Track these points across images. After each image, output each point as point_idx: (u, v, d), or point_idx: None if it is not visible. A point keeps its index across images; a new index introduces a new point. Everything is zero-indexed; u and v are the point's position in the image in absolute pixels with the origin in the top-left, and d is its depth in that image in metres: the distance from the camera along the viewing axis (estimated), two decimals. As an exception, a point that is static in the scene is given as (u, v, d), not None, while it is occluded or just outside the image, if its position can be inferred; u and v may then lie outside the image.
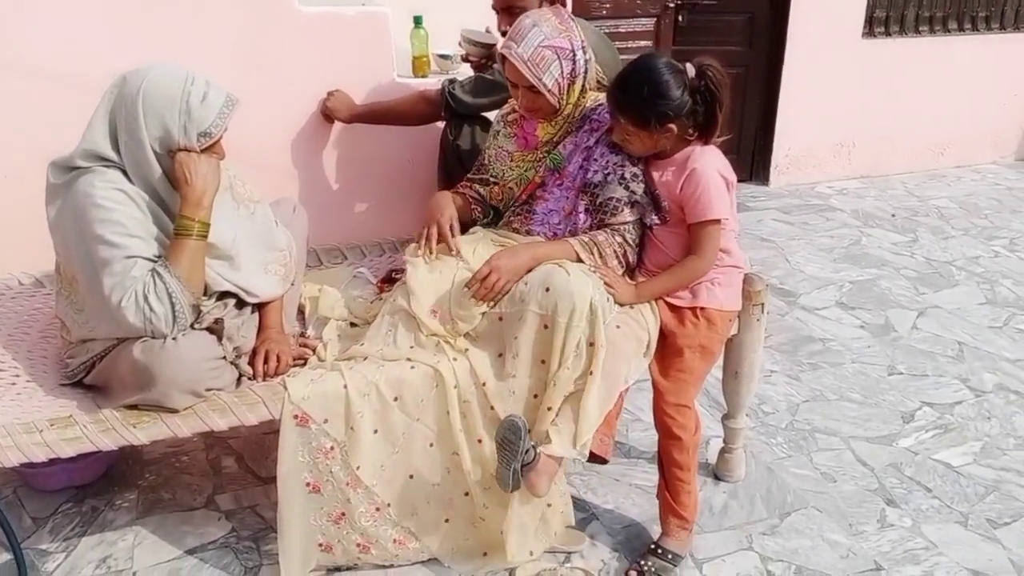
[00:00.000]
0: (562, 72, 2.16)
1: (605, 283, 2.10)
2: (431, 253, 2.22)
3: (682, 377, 2.19)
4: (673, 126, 2.08)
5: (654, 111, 2.05)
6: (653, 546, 2.27)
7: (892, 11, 5.50)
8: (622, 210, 2.19)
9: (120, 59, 2.34)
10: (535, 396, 2.08)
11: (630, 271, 2.27)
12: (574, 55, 2.17)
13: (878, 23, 5.48)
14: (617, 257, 2.20)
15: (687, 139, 2.14)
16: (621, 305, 2.15)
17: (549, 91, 2.17)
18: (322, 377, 2.03)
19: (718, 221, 2.14)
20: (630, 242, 2.22)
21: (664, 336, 2.21)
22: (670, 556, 2.24)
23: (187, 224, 1.93)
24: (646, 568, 2.22)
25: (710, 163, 2.13)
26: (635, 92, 2.05)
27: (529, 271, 2.09)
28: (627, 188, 2.19)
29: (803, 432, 2.87)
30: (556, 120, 2.27)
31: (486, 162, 2.45)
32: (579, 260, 2.14)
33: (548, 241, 2.23)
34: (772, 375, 3.21)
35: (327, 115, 3.05)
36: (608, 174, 2.20)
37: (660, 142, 2.12)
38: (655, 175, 2.20)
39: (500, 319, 2.10)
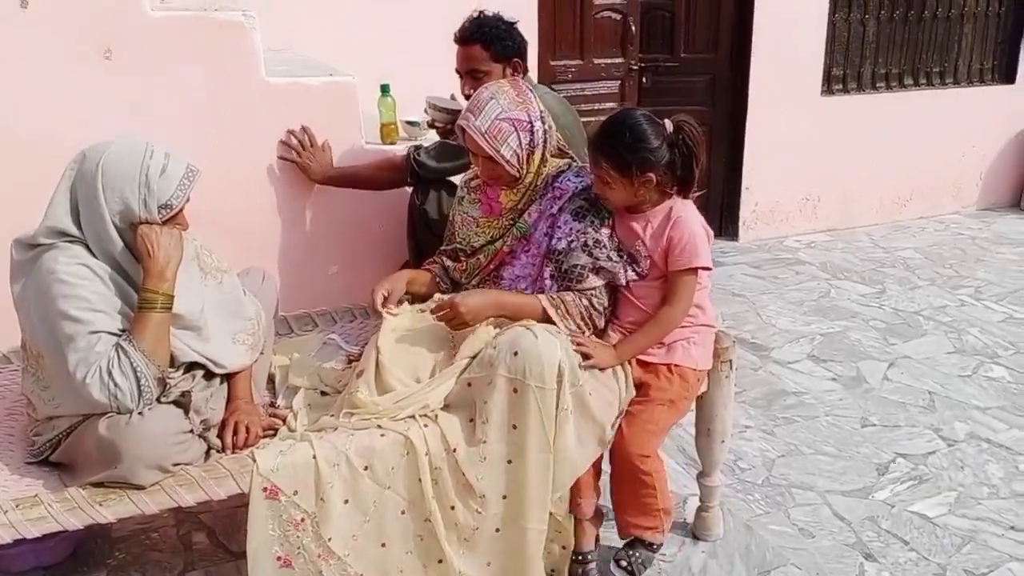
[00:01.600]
0: (520, 143, 2.21)
1: (583, 352, 2.12)
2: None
3: (648, 428, 2.20)
4: (652, 175, 2.14)
5: (635, 157, 2.11)
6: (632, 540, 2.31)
7: (849, 69, 5.68)
8: (587, 277, 2.21)
9: (84, 129, 2.37)
10: (509, 462, 2.07)
11: (597, 334, 2.28)
12: (532, 126, 2.22)
13: (836, 81, 5.65)
14: (583, 319, 2.21)
15: (667, 192, 2.21)
16: (602, 369, 2.16)
17: (507, 162, 2.20)
18: (291, 448, 2.00)
19: (697, 271, 2.19)
20: (596, 306, 2.23)
21: (636, 385, 2.23)
22: (653, 546, 2.31)
23: (151, 297, 1.92)
24: (632, 558, 2.27)
25: (694, 215, 2.22)
26: (618, 139, 2.12)
27: (491, 316, 2.14)
28: (591, 255, 2.20)
29: (780, 488, 2.86)
30: (518, 188, 2.30)
31: (451, 230, 2.47)
32: (546, 315, 2.15)
33: (514, 293, 2.25)
34: (747, 430, 3.22)
35: (299, 165, 3.03)
36: (572, 241, 2.21)
37: (640, 192, 2.17)
38: (638, 228, 2.23)
39: (469, 384, 2.10)
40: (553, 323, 2.16)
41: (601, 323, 2.25)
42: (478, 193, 2.41)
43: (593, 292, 2.22)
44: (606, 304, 2.24)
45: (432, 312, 2.16)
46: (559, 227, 2.24)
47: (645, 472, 2.19)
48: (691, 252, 2.18)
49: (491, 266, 2.35)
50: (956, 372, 3.70)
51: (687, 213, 2.21)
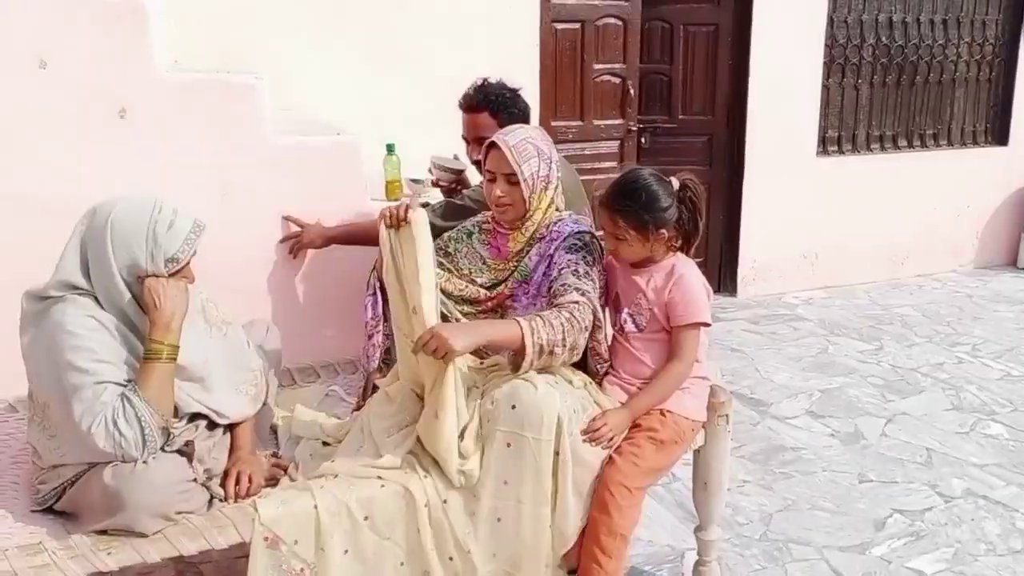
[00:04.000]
0: (539, 171, 2.31)
1: (598, 437, 2.14)
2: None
3: (633, 459, 2.19)
4: (665, 232, 2.24)
5: (652, 216, 2.22)
6: None
7: (843, 131, 5.80)
8: (570, 292, 2.19)
9: (95, 186, 2.45)
10: (499, 520, 2.10)
11: (580, 363, 2.28)
12: (551, 162, 2.34)
13: (831, 142, 5.77)
14: (563, 331, 2.11)
15: (673, 247, 2.31)
16: (620, 435, 2.20)
17: (525, 181, 2.28)
18: (292, 497, 2.03)
19: (700, 325, 2.26)
20: (578, 318, 2.14)
21: (630, 426, 2.25)
22: None
23: (156, 348, 1.98)
24: None
25: (695, 272, 2.31)
26: (635, 198, 2.22)
27: (477, 345, 2.11)
28: (578, 278, 2.24)
29: (777, 543, 2.86)
30: (526, 227, 2.36)
31: (450, 251, 2.50)
32: (522, 340, 2.08)
33: (493, 320, 2.33)
34: (745, 485, 3.23)
35: (301, 248, 3.11)
36: (563, 269, 2.27)
37: (654, 247, 2.27)
38: (640, 281, 2.31)
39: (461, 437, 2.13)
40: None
41: (582, 341, 2.18)
42: (488, 236, 2.48)
43: (575, 306, 2.16)
44: (586, 323, 2.17)
45: (414, 349, 2.08)
46: (555, 263, 2.30)
47: (615, 504, 2.12)
48: (694, 308, 2.26)
49: (489, 304, 2.39)
50: (954, 429, 3.71)
51: (689, 270, 2.30)
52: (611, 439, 2.17)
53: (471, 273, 2.46)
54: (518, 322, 2.10)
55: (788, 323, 5.17)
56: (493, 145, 2.32)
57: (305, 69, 3.99)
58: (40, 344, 1.99)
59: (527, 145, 2.30)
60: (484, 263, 2.45)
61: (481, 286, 2.41)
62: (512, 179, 2.29)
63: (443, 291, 2.37)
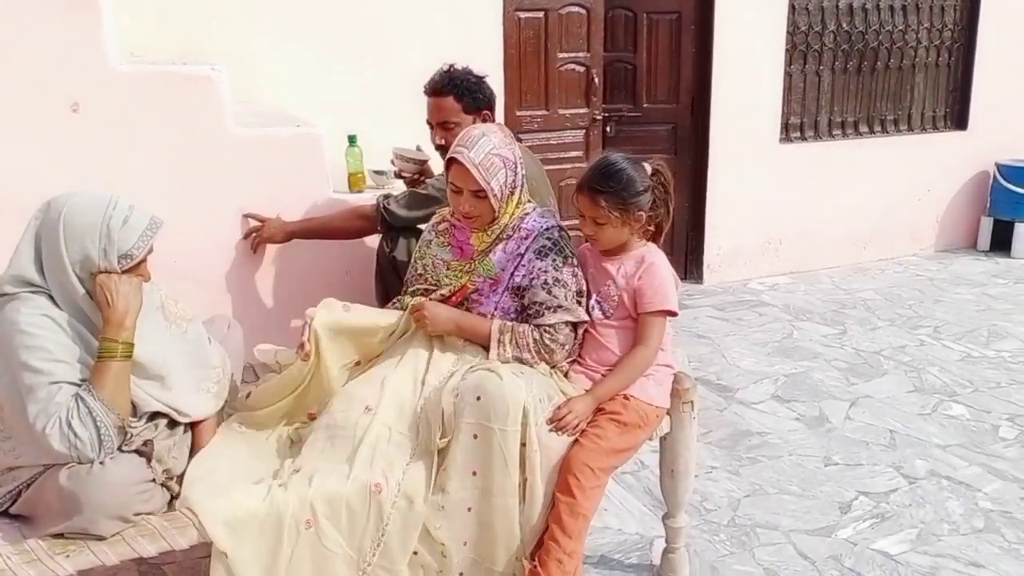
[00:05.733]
0: (506, 180, 2.27)
1: (563, 425, 2.15)
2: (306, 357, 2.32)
3: (596, 441, 2.19)
4: (643, 214, 2.27)
5: (633, 198, 2.25)
6: None
7: (806, 117, 5.85)
8: (543, 313, 2.26)
9: (49, 182, 2.39)
10: (468, 509, 2.09)
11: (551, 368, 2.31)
12: (516, 166, 2.30)
13: (793, 129, 5.81)
14: (532, 350, 2.25)
15: (648, 231, 2.33)
16: (584, 421, 2.21)
17: (495, 195, 2.25)
18: (248, 510, 1.98)
19: (667, 313, 2.29)
20: (548, 342, 2.25)
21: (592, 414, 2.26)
22: None
23: (110, 346, 1.94)
24: None
25: (664, 261, 2.33)
26: (616, 180, 2.24)
27: (448, 332, 2.29)
28: (549, 292, 2.26)
29: (745, 528, 2.89)
30: (492, 229, 2.34)
31: (420, 272, 2.48)
32: (488, 340, 2.25)
33: (477, 316, 2.32)
34: (713, 471, 3.25)
35: (261, 243, 3.08)
36: (533, 279, 2.27)
37: (633, 228, 2.29)
38: (611, 268, 2.32)
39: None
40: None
41: (555, 359, 2.28)
42: (447, 236, 2.44)
43: (548, 328, 2.25)
44: (562, 341, 2.26)
45: (411, 310, 2.29)
46: (523, 265, 2.30)
47: (578, 485, 2.12)
48: (662, 296, 2.28)
49: (454, 300, 2.37)
50: (916, 411, 3.77)
51: (658, 259, 2.32)
52: (576, 426, 2.17)
53: (439, 281, 2.43)
54: (489, 323, 2.28)
55: (753, 309, 5.20)
56: (456, 160, 2.26)
57: (265, 60, 3.94)
58: (-8, 344, 1.94)
59: (492, 159, 2.24)
60: (447, 267, 2.42)
61: (447, 292, 2.40)
62: (480, 194, 2.25)
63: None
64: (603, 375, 2.31)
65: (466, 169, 2.22)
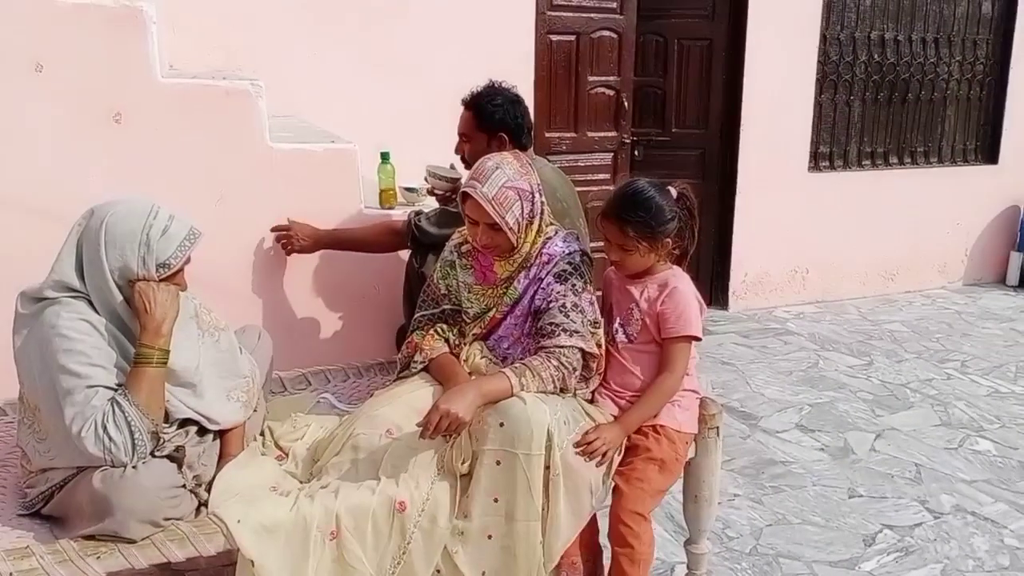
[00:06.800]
0: (522, 212, 2.25)
1: (592, 451, 2.14)
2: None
3: (640, 486, 2.21)
4: (669, 240, 2.26)
5: (660, 226, 2.23)
6: None
7: (835, 147, 5.85)
8: (558, 334, 2.22)
9: (90, 190, 2.43)
10: (489, 537, 2.09)
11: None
12: (533, 197, 2.28)
13: (823, 158, 5.81)
14: (553, 381, 2.18)
15: (672, 253, 2.32)
16: (615, 450, 2.21)
17: (511, 229, 2.24)
18: (275, 519, 1.99)
19: (692, 339, 2.27)
20: (566, 365, 2.20)
21: (626, 448, 2.26)
22: None
23: (147, 352, 1.97)
24: None
25: (689, 285, 2.31)
26: (644, 208, 2.23)
27: (479, 405, 2.10)
28: (566, 316, 2.23)
29: (767, 557, 2.86)
30: (514, 258, 2.33)
31: (443, 292, 2.45)
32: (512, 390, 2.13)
33: (485, 377, 2.22)
34: (735, 499, 3.23)
35: (292, 252, 3.11)
36: (551, 301, 2.26)
37: (659, 254, 2.28)
38: (635, 292, 2.31)
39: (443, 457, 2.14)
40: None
41: (572, 383, 2.24)
42: (470, 259, 2.43)
43: (561, 351, 2.20)
44: (575, 365, 2.22)
45: (423, 435, 2.06)
46: (542, 288, 2.29)
47: (634, 533, 2.18)
48: (686, 321, 2.26)
49: (479, 331, 2.38)
50: (942, 445, 3.73)
51: (683, 284, 2.30)
52: (604, 453, 2.17)
53: (459, 303, 2.42)
54: (508, 377, 2.13)
55: (779, 337, 5.18)
56: (468, 194, 2.23)
57: (300, 75, 4.00)
58: (33, 346, 1.97)
59: (506, 192, 2.21)
60: (469, 291, 2.40)
61: (474, 320, 2.39)
62: (495, 227, 2.23)
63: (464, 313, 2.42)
64: (629, 400, 2.31)
65: (479, 204, 2.21)
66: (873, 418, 4.00)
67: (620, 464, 2.24)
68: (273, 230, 3.08)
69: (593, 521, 2.28)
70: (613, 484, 2.22)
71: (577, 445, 2.14)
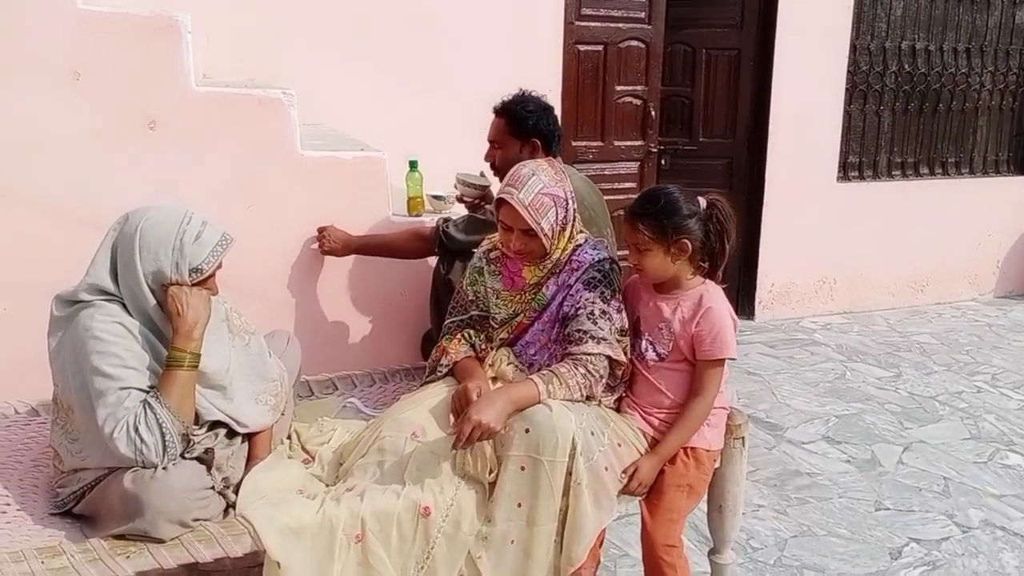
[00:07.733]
0: (557, 218, 2.27)
1: (632, 489, 2.20)
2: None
3: (670, 516, 2.23)
4: (687, 243, 2.20)
5: (670, 221, 2.18)
6: None
7: (865, 157, 5.80)
8: (586, 341, 2.23)
9: (124, 196, 2.49)
10: (512, 542, 2.10)
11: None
12: (567, 203, 2.30)
13: (852, 168, 5.77)
14: (580, 389, 2.19)
15: (700, 266, 2.27)
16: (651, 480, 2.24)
17: (545, 235, 2.25)
18: (303, 521, 2.01)
19: (724, 361, 2.24)
20: (592, 372, 2.21)
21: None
22: None
23: (178, 355, 2.00)
24: None
25: (724, 304, 2.26)
26: (653, 203, 2.21)
27: (510, 413, 2.11)
28: (594, 323, 2.24)
29: (791, 568, 2.85)
30: (544, 264, 2.34)
31: (471, 298, 2.47)
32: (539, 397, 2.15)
33: (514, 384, 2.23)
34: (760, 509, 3.21)
35: (325, 254, 3.17)
36: (579, 308, 2.26)
37: (677, 258, 2.22)
38: (667, 309, 2.27)
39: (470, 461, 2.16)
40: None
41: (598, 390, 2.24)
42: (499, 265, 2.44)
43: (588, 359, 2.21)
44: (602, 372, 2.23)
45: (455, 445, 2.07)
46: (571, 295, 2.30)
47: (669, 564, 2.21)
48: (720, 343, 2.21)
49: (506, 336, 2.40)
50: (971, 458, 3.69)
51: (718, 303, 2.25)
52: (646, 487, 2.22)
53: (490, 312, 2.43)
54: (535, 384, 2.15)
55: (805, 348, 5.15)
56: (505, 200, 2.25)
57: (330, 83, 4.05)
58: (67, 348, 2.02)
59: (542, 198, 2.23)
60: (497, 296, 2.42)
61: (501, 325, 2.40)
62: (530, 232, 2.25)
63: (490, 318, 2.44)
64: (660, 419, 2.28)
65: (515, 210, 2.23)
66: (901, 431, 3.96)
67: (649, 494, 2.26)
68: (318, 231, 3.14)
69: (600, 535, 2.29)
70: (642, 515, 2.25)
71: (620, 492, 2.19)
